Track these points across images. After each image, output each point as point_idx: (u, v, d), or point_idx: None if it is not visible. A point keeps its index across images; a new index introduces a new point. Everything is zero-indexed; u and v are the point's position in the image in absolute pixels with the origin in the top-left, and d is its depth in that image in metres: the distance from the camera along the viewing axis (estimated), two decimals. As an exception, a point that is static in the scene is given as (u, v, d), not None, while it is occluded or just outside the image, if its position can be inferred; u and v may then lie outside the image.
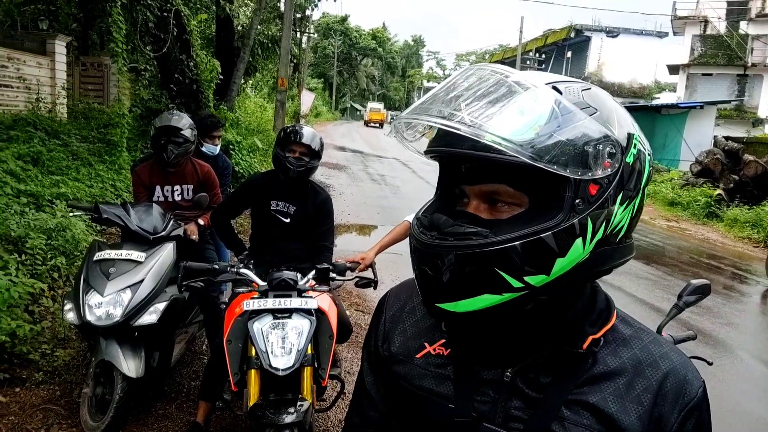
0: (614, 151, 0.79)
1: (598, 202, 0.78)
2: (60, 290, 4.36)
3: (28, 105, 9.42)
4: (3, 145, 6.89)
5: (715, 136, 17.65)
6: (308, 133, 3.13)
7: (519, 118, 0.76)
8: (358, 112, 65.03)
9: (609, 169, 0.78)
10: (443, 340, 0.95)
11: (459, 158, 0.85)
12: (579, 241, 0.77)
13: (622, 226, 0.83)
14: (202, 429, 2.97)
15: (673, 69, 31.09)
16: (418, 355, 0.96)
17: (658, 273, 8.10)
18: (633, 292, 6.89)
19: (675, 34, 32.44)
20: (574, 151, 0.75)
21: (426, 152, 0.90)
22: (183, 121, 3.69)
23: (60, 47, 11.00)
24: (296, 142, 3.06)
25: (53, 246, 4.56)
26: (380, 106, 44.57)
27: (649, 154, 0.87)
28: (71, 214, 4.61)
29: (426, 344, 0.96)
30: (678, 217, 13.84)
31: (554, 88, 0.81)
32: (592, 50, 36.04)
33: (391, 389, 1.01)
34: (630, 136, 0.82)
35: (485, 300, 0.78)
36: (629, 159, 0.81)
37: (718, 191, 13.98)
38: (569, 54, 37.73)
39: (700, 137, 18.18)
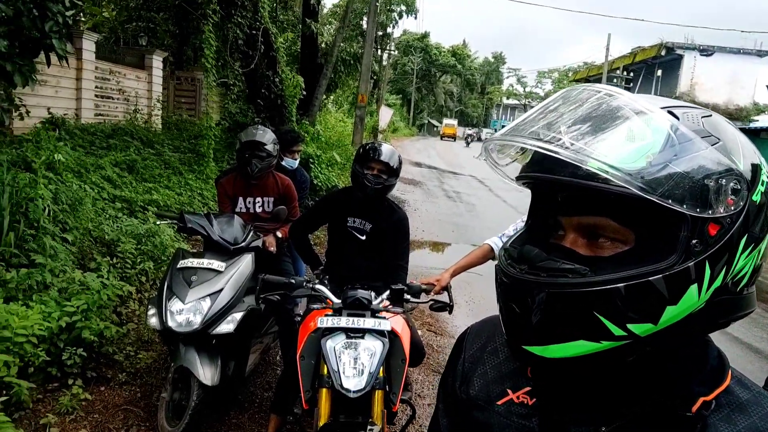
0: (739, 187, 0.69)
1: (719, 244, 0.68)
2: (147, 293, 4.56)
3: (127, 116, 10.07)
4: (102, 152, 7.37)
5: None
6: (387, 150, 3.10)
7: (629, 144, 0.68)
8: (435, 128, 65.17)
9: (732, 207, 0.68)
10: (528, 388, 0.86)
11: (556, 186, 0.77)
12: (694, 287, 0.68)
13: (745, 273, 0.73)
14: (272, 443, 2.97)
15: (776, 89, 28.98)
16: (499, 402, 0.87)
17: (757, 311, 7.45)
18: (741, 336, 6.24)
19: (778, 52, 30.30)
20: (693, 185, 0.66)
21: (518, 178, 0.83)
22: (267, 136, 3.78)
23: (157, 62, 11.73)
24: (375, 159, 3.04)
25: (142, 251, 4.79)
26: (454, 122, 49.99)
27: None
28: (158, 223, 4.82)
29: (509, 390, 0.88)
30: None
31: (670, 112, 0.72)
32: (684, 69, 34.28)
33: None
34: (756, 170, 0.72)
35: (580, 347, 0.70)
36: (756, 197, 0.71)
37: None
38: (659, 72, 36.08)
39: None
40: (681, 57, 34.34)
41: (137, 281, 4.53)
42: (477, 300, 6.31)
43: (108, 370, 3.53)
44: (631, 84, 38.72)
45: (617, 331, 0.68)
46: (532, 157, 0.78)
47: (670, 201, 0.65)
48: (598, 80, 34.91)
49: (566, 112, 0.75)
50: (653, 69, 36.65)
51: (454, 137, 49.54)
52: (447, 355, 3.75)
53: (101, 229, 4.88)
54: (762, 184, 0.72)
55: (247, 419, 3.37)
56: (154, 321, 3.05)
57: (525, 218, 2.78)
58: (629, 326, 0.68)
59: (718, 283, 0.69)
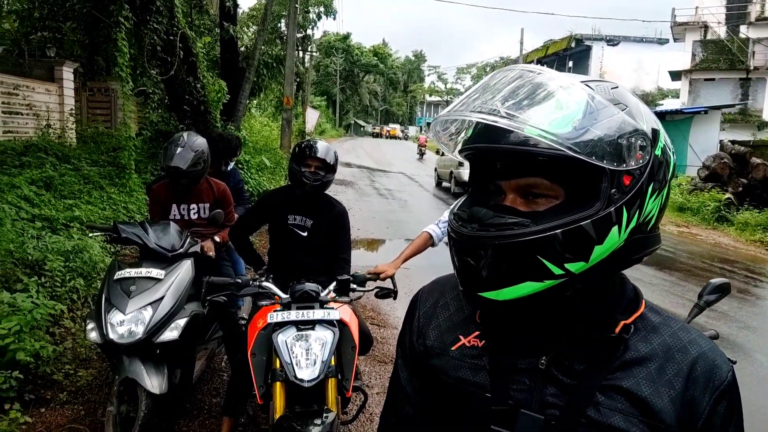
0: (645, 144, 0.82)
1: (632, 192, 0.81)
2: (79, 311, 4.39)
3: (38, 131, 9.56)
4: (16, 171, 6.99)
5: (721, 141, 17.64)
6: (323, 147, 3.16)
7: (557, 112, 0.79)
8: (362, 128, 65.51)
9: (641, 161, 0.82)
10: (477, 332, 0.97)
11: (496, 154, 0.88)
12: (615, 228, 0.81)
13: (653, 215, 0.87)
14: (226, 445, 2.97)
15: (676, 75, 31.18)
16: (453, 348, 0.98)
17: (671, 279, 8.06)
18: (647, 298, 6.81)
19: (675, 40, 32.57)
20: (610, 144, 0.79)
21: (462, 150, 0.93)
22: (187, 155, 3.56)
23: (68, 73, 11.20)
24: (312, 157, 3.09)
25: (71, 268, 4.61)
26: (396, 126, 60.60)
27: (671, 149, 0.90)
28: (90, 236, 4.65)
29: (461, 337, 0.99)
30: (688, 222, 13.80)
31: (586, 85, 0.85)
32: (593, 59, 36.24)
33: (428, 383, 1.03)
34: (655, 131, 0.86)
35: (527, 287, 0.81)
36: (657, 152, 0.85)
37: (727, 195, 13.93)
38: (571, 64, 37.94)
39: (705, 142, 18.18)
40: (590, 48, 36.27)
41: (68, 299, 4.35)
42: (415, 291, 6.45)
43: (47, 392, 3.39)
44: (506, 67, 40.45)
45: (557, 270, 0.80)
46: (474, 131, 0.88)
47: (593, 158, 0.77)
48: (515, 73, 36.14)
49: (501, 89, 0.85)
50: (565, 60, 38.48)
51: (396, 137, 60.39)
52: (391, 346, 3.90)
53: (24, 249, 4.65)
54: (661, 142, 0.86)
55: (197, 426, 3.34)
56: (93, 335, 2.96)
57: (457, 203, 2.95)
58: (566, 265, 0.80)
59: (633, 224, 0.82)
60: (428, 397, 1.04)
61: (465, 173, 16.51)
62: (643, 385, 0.85)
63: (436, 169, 19.48)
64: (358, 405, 3.17)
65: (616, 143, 0.79)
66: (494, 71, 0.94)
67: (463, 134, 0.94)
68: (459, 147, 0.94)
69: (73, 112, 11.04)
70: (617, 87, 0.89)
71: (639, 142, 0.81)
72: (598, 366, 0.86)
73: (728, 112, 25.36)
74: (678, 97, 31.84)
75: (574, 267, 0.80)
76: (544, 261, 0.79)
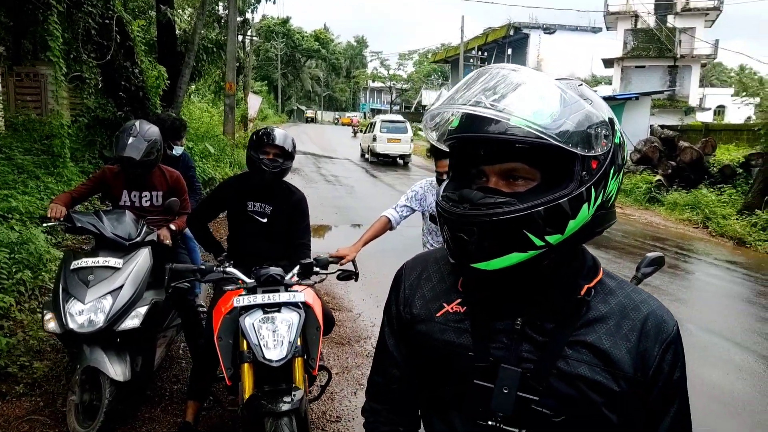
0: (608, 133, 0.97)
1: (598, 174, 0.96)
2: (27, 303, 4.27)
3: (-39, 119, 9.03)
4: (-57, 161, 6.62)
5: (651, 125, 18.58)
6: (280, 134, 3.21)
7: (538, 105, 0.92)
8: (304, 114, 64.77)
9: (605, 147, 0.96)
10: (459, 300, 1.10)
11: (481, 142, 0.99)
12: (585, 205, 0.95)
13: (613, 194, 1.03)
14: (192, 428, 3.01)
15: (608, 63, 32.42)
16: (438, 314, 1.11)
17: (607, 257, 8.52)
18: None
19: (608, 29, 33.86)
20: (582, 134, 0.93)
21: (448, 139, 1.04)
22: (141, 145, 3.50)
23: (-8, 58, 10.58)
24: (270, 144, 3.13)
25: (17, 260, 4.46)
26: (351, 114, 59.97)
27: (624, 135, 1.06)
28: (44, 226, 4.50)
29: (444, 304, 1.11)
30: (621, 203, 14.52)
31: (558, 81, 0.99)
32: (531, 47, 37.19)
33: (415, 347, 1.15)
34: (612, 121, 1.01)
35: (513, 258, 0.94)
36: (616, 140, 1.00)
37: (658, 177, 14.74)
38: (510, 51, 38.80)
39: (637, 127, 19.09)
40: (527, 36, 37.17)
41: (15, 292, 4.22)
42: (369, 275, 6.58)
43: (1, 385, 3.31)
44: (486, 63, 41.19)
45: (538, 242, 0.93)
46: (459, 123, 0.99)
47: (570, 146, 0.91)
48: (456, 61, 36.67)
49: (484, 85, 0.97)
50: (504, 48, 39.30)
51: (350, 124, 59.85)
52: (347, 329, 4.04)
53: (-41, 243, 4.46)
54: (618, 131, 1.01)
55: (160, 412, 3.35)
56: (52, 325, 2.93)
57: (414, 189, 3.09)
58: (547, 238, 0.93)
59: (599, 201, 0.97)
60: (414, 360, 1.17)
61: (378, 147, 21.52)
62: (604, 339, 1.00)
63: (360, 145, 25.27)
64: (321, 384, 3.28)
65: (586, 133, 0.93)
66: (478, 69, 1.05)
67: (445, 125, 1.05)
68: (444, 136, 1.05)
69: (1, 98, 10.45)
70: (581, 84, 1.04)
71: (603, 131, 0.96)
72: (566, 324, 1.01)
73: (658, 98, 26.65)
74: (611, 84, 33.19)
75: (552, 239, 0.94)
76: (528, 234, 0.92)
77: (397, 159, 21.63)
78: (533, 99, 0.93)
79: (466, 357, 1.04)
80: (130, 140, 3.51)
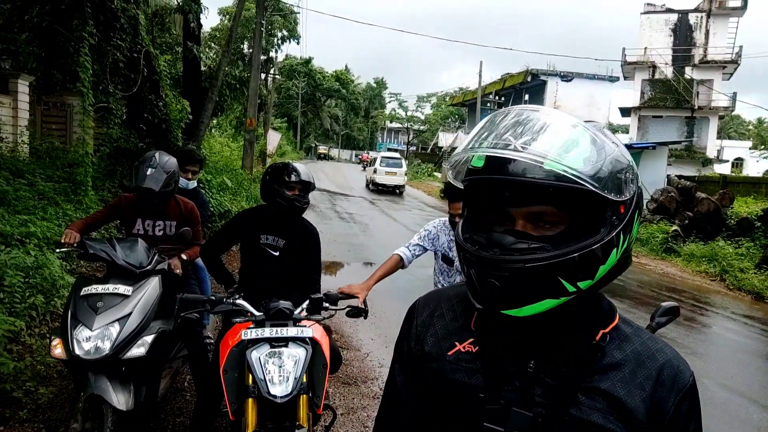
0: (633, 177, 0.96)
1: (626, 219, 0.95)
2: (37, 329, 4.28)
3: (-11, 144, 9.26)
4: (-34, 184, 6.76)
5: (668, 175, 18.52)
6: (303, 170, 3.22)
7: (572, 149, 0.91)
8: (317, 150, 65.44)
9: (631, 192, 0.95)
10: (472, 339, 1.07)
11: (507, 185, 0.95)
12: (614, 250, 0.94)
13: (634, 237, 1.01)
14: (193, 463, 2.95)
15: (625, 111, 32.65)
16: (449, 353, 1.08)
17: (623, 306, 8.37)
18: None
19: (626, 78, 34.19)
20: (614, 178, 0.92)
21: (469, 178, 1.00)
22: (160, 177, 3.58)
23: (23, 86, 10.94)
24: (296, 181, 3.15)
25: (31, 284, 4.49)
26: (327, 145, 60.48)
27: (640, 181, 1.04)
28: (57, 251, 4.53)
29: (456, 343, 1.08)
30: (637, 252, 14.35)
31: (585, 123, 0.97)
32: (548, 93, 37.56)
33: (425, 385, 1.12)
34: (632, 165, 0.99)
35: (546, 304, 0.93)
36: (639, 183, 0.99)
37: (674, 227, 14.59)
38: (527, 97, 39.21)
39: (653, 176, 19.03)
40: (545, 82, 37.60)
41: (27, 316, 4.24)
42: (378, 314, 6.52)
43: (5, 409, 3.29)
44: (503, 107, 41.69)
45: (571, 288, 0.91)
46: (486, 162, 0.95)
47: (604, 191, 0.90)
48: (473, 104, 37.14)
49: (510, 127, 0.94)
50: (521, 93, 39.75)
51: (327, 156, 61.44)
52: (354, 368, 3.98)
53: (-24, 265, 4.50)
54: (637, 175, 1.00)
55: (161, 446, 3.30)
56: (59, 351, 2.92)
57: (427, 229, 3.06)
58: (578, 283, 0.92)
59: (625, 245, 0.96)
60: (424, 399, 1.13)
61: (377, 178, 25.31)
62: (619, 387, 0.97)
63: (365, 177, 29.09)
64: (325, 424, 3.21)
65: (617, 177, 0.92)
66: (495, 112, 1.03)
67: (464, 164, 1.03)
68: (461, 175, 1.04)
69: (27, 126, 10.74)
70: (604, 127, 1.02)
71: (629, 175, 0.95)
72: (580, 369, 0.98)
73: (675, 149, 26.67)
74: (627, 133, 33.31)
75: (583, 285, 0.92)
76: (562, 280, 0.91)
77: (394, 189, 25.30)
78: (566, 142, 0.91)
79: (476, 398, 1.01)
80: (149, 171, 3.57)
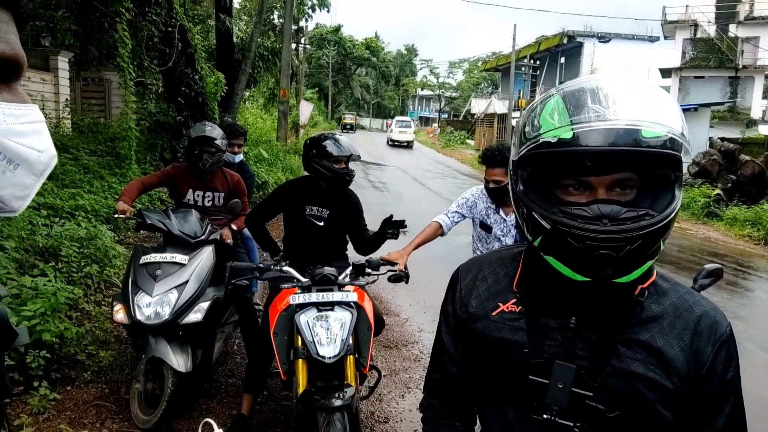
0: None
1: (681, 177, 1.00)
2: (93, 296, 4.52)
3: (34, 121, 9.56)
4: (18, 160, 7.05)
5: (710, 138, 17.93)
6: (347, 142, 3.30)
7: (676, 115, 0.96)
8: (342, 120, 64.80)
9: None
10: (515, 299, 1.15)
11: (592, 154, 0.95)
12: (679, 206, 0.99)
13: None
14: (247, 419, 3.14)
15: (666, 72, 31.47)
16: (494, 313, 1.16)
17: (663, 271, 8.24)
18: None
19: (666, 38, 32.88)
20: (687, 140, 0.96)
21: (577, 149, 0.96)
22: (216, 132, 3.88)
23: (63, 63, 11.21)
24: (343, 155, 3.23)
25: (85, 254, 4.73)
26: (352, 114, 59.63)
27: None
28: (119, 220, 4.75)
29: (500, 304, 1.16)
30: (678, 217, 14.01)
31: None
32: (585, 56, 36.46)
33: (471, 344, 1.21)
34: None
35: (647, 266, 0.99)
36: None
37: (717, 191, 14.22)
38: (563, 60, 38.13)
39: (695, 139, 18.45)
40: (581, 44, 36.48)
41: (83, 285, 4.49)
42: (415, 281, 6.61)
43: (71, 371, 3.53)
44: (538, 72, 40.68)
45: (662, 247, 0.98)
46: (576, 135, 0.94)
47: (686, 156, 0.97)
48: (507, 69, 36.39)
49: (630, 97, 0.96)
50: (557, 57, 38.66)
51: (352, 126, 59.38)
52: (395, 332, 4.09)
53: (33, 237, 4.76)
54: None
55: (216, 404, 3.50)
56: (120, 316, 3.12)
57: (465, 196, 3.10)
58: (664, 241, 0.98)
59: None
60: (470, 356, 1.22)
61: (393, 136, 35.87)
62: (658, 338, 1.03)
63: (387, 135, 38.52)
64: (371, 384, 3.36)
65: (687, 138, 0.96)
66: (585, 78, 1.03)
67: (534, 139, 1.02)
68: (534, 146, 1.02)
69: (69, 101, 11.05)
70: None
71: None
72: (620, 323, 1.05)
73: (718, 110, 25.73)
74: (668, 94, 32.15)
75: (663, 243, 0.98)
76: (661, 242, 0.97)
77: (406, 143, 34.93)
78: (670, 109, 0.96)
79: (521, 353, 1.09)
80: (207, 127, 3.92)
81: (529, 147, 1.01)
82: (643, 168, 0.98)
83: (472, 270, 1.27)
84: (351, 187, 3.46)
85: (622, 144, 0.92)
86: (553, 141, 0.97)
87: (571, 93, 1.00)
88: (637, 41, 36.60)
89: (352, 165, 3.32)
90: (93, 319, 4.18)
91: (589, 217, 0.94)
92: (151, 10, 9.95)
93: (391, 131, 36.76)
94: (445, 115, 67.06)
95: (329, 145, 3.23)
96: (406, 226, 3.23)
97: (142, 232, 5.33)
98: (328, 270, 2.85)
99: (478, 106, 49.59)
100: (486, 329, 1.16)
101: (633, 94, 0.96)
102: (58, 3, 12.12)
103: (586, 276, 0.98)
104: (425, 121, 72.69)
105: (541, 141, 0.99)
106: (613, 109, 0.93)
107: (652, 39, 36.51)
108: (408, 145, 34.93)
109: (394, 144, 35.17)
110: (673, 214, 0.95)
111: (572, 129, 0.95)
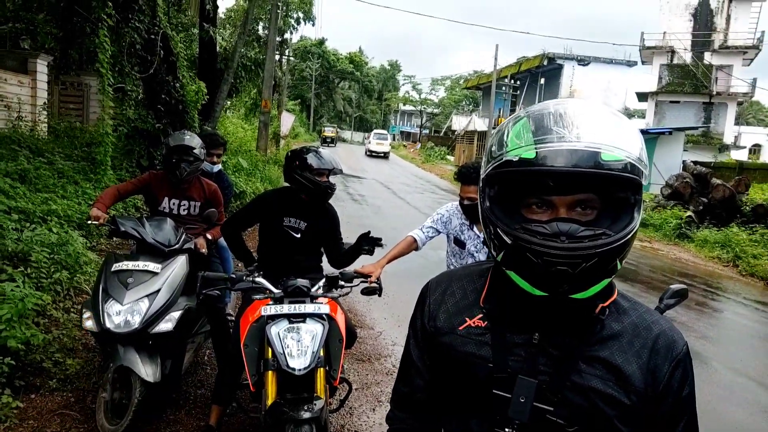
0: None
1: (641, 200, 1.05)
2: (62, 303, 4.45)
3: (8, 123, 9.43)
4: (-11, 162, 6.93)
5: (684, 161, 18.39)
6: (330, 156, 3.30)
7: (636, 141, 1.01)
8: (321, 133, 64.66)
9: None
10: (481, 315, 1.18)
11: (554, 175, 0.98)
12: (636, 228, 1.03)
13: None
14: (215, 431, 3.11)
15: (642, 96, 32.25)
16: (460, 327, 1.19)
17: (633, 290, 8.43)
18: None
19: (644, 63, 33.71)
20: (645, 165, 1.01)
21: (517, 171, 1.01)
22: (195, 141, 3.87)
23: (41, 66, 11.06)
24: (325, 168, 3.22)
25: (55, 260, 4.66)
26: (333, 127, 57.31)
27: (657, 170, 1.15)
28: (89, 223, 4.69)
29: (467, 319, 1.19)
30: (650, 237, 14.34)
31: None
32: (564, 78, 37.16)
33: (437, 357, 1.23)
34: None
35: (603, 284, 1.04)
36: None
37: (689, 213, 14.54)
38: (542, 81, 38.81)
39: (669, 162, 18.90)
40: (561, 66, 37.18)
41: (53, 291, 4.41)
42: (390, 294, 6.65)
43: (36, 379, 3.46)
44: (518, 92, 41.31)
45: (619, 266, 1.02)
46: (539, 155, 0.98)
47: (643, 177, 1.00)
48: (488, 88, 36.87)
49: (579, 121, 1.00)
50: (537, 77, 39.33)
51: (333, 140, 59.80)
52: (368, 345, 4.11)
53: (2, 242, 4.67)
54: None
55: (184, 415, 3.46)
56: (90, 324, 3.07)
57: (440, 212, 3.14)
58: (621, 261, 1.02)
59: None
60: (437, 370, 1.25)
61: (371, 147, 38.64)
62: (617, 355, 1.07)
63: (365, 147, 41.71)
64: (341, 396, 3.35)
65: (645, 162, 1.01)
66: (550, 102, 1.08)
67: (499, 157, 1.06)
68: (497, 165, 1.07)
69: (46, 105, 10.90)
70: (620, 111, 1.13)
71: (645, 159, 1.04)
72: (581, 340, 1.08)
73: (692, 134, 26.39)
74: (644, 118, 32.95)
75: (621, 262, 1.02)
76: (618, 261, 1.01)
77: (382, 154, 37.32)
78: (630, 135, 1.01)
79: (485, 368, 1.12)
80: (186, 136, 3.91)
81: (495, 165, 1.05)
82: (604, 190, 1.01)
83: (442, 284, 1.29)
84: (331, 200, 3.46)
85: (583, 165, 0.95)
86: (515, 160, 1.01)
87: (538, 115, 1.04)
88: (615, 65, 37.42)
89: (332, 178, 3.33)
90: (61, 326, 4.11)
91: (548, 234, 0.98)
92: (135, 16, 9.92)
93: (370, 143, 39.89)
94: (426, 131, 67.50)
95: (311, 158, 3.22)
96: (382, 244, 3.25)
97: (115, 239, 5.27)
98: (301, 282, 2.86)
99: (458, 122, 50.10)
100: (452, 343, 1.18)
101: (596, 119, 1.01)
102: (40, 5, 12.01)
103: (543, 291, 1.02)
104: (407, 135, 73.04)
105: (504, 159, 1.03)
106: (576, 132, 0.98)
107: (630, 63, 37.37)
108: (384, 156, 37.72)
109: (372, 154, 37.84)
110: (629, 235, 0.99)
111: (535, 149, 0.99)
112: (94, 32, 9.39)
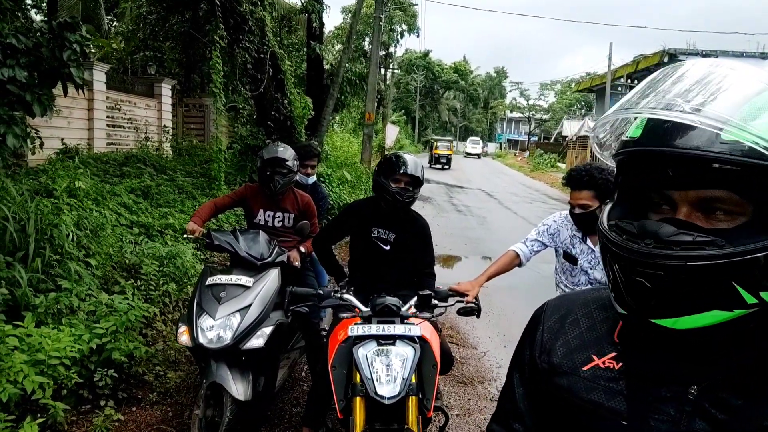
0: None
1: None
2: (170, 315, 4.60)
3: (138, 143, 10.23)
4: (117, 180, 7.50)
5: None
6: (412, 162, 3.10)
7: (764, 114, 0.68)
8: (434, 150, 65.10)
9: None
10: (614, 353, 0.88)
11: (671, 160, 0.74)
12: None
13: None
14: (305, 455, 2.98)
15: (782, 91, 28.96)
16: (584, 368, 0.90)
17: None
18: None
19: (781, 53, 30.30)
20: None
21: (623, 151, 0.80)
22: (288, 153, 3.84)
23: (166, 90, 11.95)
24: (402, 173, 3.04)
25: (165, 272, 4.85)
26: (448, 141, 56.29)
27: None
28: (184, 237, 4.89)
29: (594, 357, 0.90)
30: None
31: None
32: (687, 75, 34.37)
33: (550, 402, 0.95)
34: None
35: (712, 317, 0.71)
36: None
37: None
38: (663, 79, 36.16)
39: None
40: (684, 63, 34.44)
41: (161, 303, 4.58)
42: (496, 311, 6.30)
43: (138, 391, 3.56)
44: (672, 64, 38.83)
45: (750, 299, 0.69)
46: (644, 131, 0.76)
47: None
48: (602, 90, 34.97)
49: (680, 85, 0.74)
50: (656, 76, 36.71)
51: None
52: (471, 367, 3.77)
53: (122, 254, 4.95)
54: None
55: (277, 434, 3.38)
56: (184, 339, 3.08)
57: (547, 223, 2.75)
58: (762, 294, 0.69)
59: None
60: (544, 417, 0.97)
61: (467, 150, 54.14)
62: None
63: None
64: (437, 426, 3.10)
65: None
66: (664, 68, 0.81)
67: (617, 136, 0.84)
68: (612, 148, 0.85)
69: (170, 126, 11.75)
70: None
71: None
72: (760, 402, 0.75)
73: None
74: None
75: (753, 292, 0.69)
76: (738, 288, 0.69)
77: (474, 155, 46.89)
78: (755, 103, 0.69)
79: (616, 425, 0.83)
80: (280, 148, 3.89)
81: (616, 151, 0.82)
82: (748, 189, 0.70)
83: (561, 309, 1.00)
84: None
85: (691, 147, 0.69)
86: (627, 140, 0.78)
87: (658, 77, 0.79)
88: (746, 58, 34.01)
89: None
90: (167, 338, 4.23)
91: (634, 234, 0.75)
92: (245, 37, 10.37)
93: (465, 146, 55.31)
94: (535, 138, 65.47)
95: (391, 163, 3.07)
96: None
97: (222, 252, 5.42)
98: (390, 300, 2.65)
99: (570, 128, 47.96)
100: (572, 387, 0.89)
101: (733, 84, 0.71)
102: (166, 35, 13.03)
103: (621, 308, 0.78)
104: (514, 143, 71.35)
105: (622, 140, 0.80)
106: (699, 100, 0.69)
107: (765, 56, 33.77)
108: (477, 156, 51.06)
109: (467, 155, 51.43)
110: (752, 254, 0.67)
111: (643, 125, 0.76)
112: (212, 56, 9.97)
